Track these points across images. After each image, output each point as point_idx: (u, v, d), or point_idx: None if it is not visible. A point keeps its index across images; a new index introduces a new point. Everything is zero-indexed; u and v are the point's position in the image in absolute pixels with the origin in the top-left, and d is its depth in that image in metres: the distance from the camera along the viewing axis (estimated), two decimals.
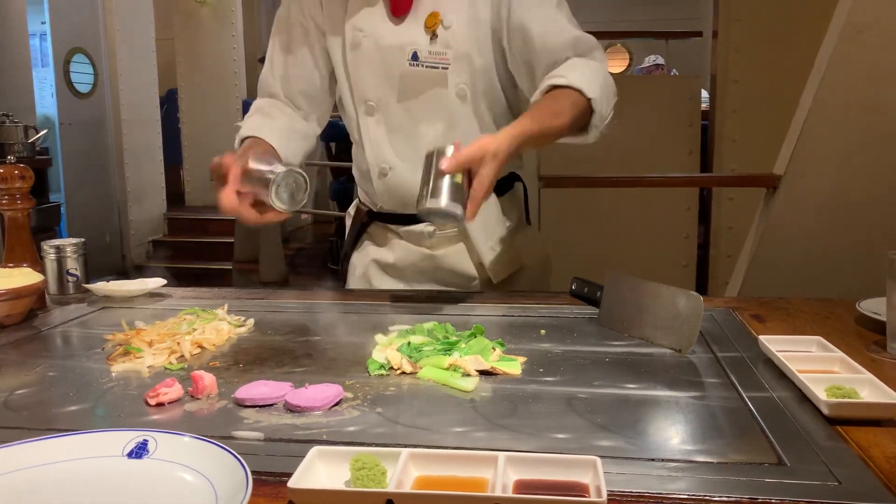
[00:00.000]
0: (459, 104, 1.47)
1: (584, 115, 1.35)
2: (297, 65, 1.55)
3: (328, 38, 1.52)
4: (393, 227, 1.59)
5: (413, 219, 1.53)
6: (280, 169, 1.20)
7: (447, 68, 1.43)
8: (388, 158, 1.51)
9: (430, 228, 1.54)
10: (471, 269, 1.56)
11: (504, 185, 1.59)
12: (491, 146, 1.21)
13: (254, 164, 1.23)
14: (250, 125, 1.48)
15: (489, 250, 1.54)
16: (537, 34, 1.40)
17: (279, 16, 1.58)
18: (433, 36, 1.42)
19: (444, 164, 1.20)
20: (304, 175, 1.22)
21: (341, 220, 1.74)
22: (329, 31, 1.52)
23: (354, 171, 1.66)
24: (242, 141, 1.46)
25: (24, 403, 0.95)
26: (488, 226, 1.54)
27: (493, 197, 1.54)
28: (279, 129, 1.48)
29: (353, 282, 1.66)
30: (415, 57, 1.43)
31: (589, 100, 1.33)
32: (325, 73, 1.56)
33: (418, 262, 1.57)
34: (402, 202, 1.52)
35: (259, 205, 1.24)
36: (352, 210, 1.71)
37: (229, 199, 1.22)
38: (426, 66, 1.43)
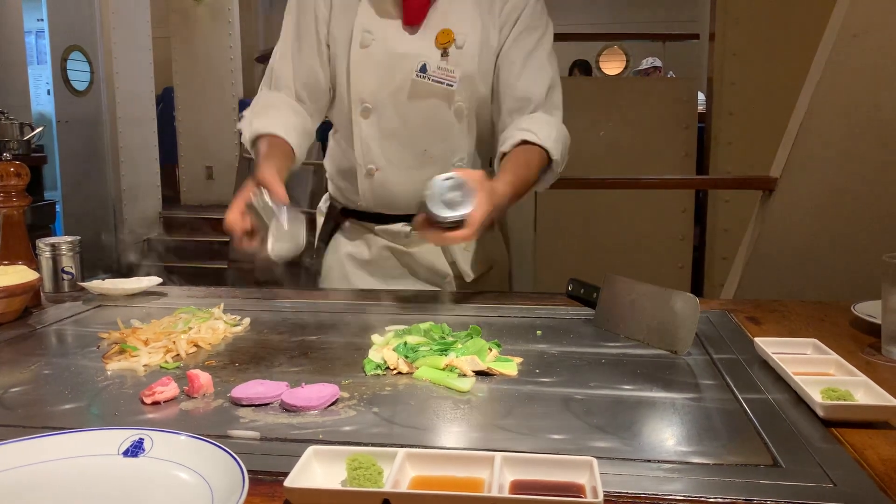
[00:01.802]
0: (455, 121, 1.50)
1: (540, 170, 1.46)
2: (305, 57, 1.54)
3: (333, 30, 1.51)
4: (368, 224, 1.61)
5: (391, 218, 1.56)
6: (284, 219, 1.19)
7: (452, 86, 1.45)
8: (376, 160, 1.52)
9: (408, 228, 1.56)
10: (444, 266, 1.59)
11: None
12: (495, 202, 1.26)
13: (265, 200, 1.22)
14: (267, 122, 1.46)
15: (462, 251, 1.58)
16: (521, 77, 1.49)
17: (290, 5, 1.56)
18: (444, 53, 1.45)
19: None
20: (304, 225, 1.22)
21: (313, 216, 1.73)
22: (335, 24, 1.51)
23: (328, 166, 1.66)
24: (256, 139, 1.45)
25: (20, 402, 0.95)
26: None
27: None
28: (294, 129, 1.48)
29: (329, 277, 1.67)
30: (423, 69, 1.45)
31: (551, 160, 1.45)
32: (327, 68, 1.55)
33: (393, 259, 1.61)
34: (385, 202, 1.55)
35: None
36: (323, 206, 1.71)
37: (235, 219, 1.23)
38: (433, 80, 1.45)
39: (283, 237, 1.19)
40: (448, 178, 1.21)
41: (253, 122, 1.47)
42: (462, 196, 1.21)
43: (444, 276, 1.60)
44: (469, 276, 1.60)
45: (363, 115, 1.50)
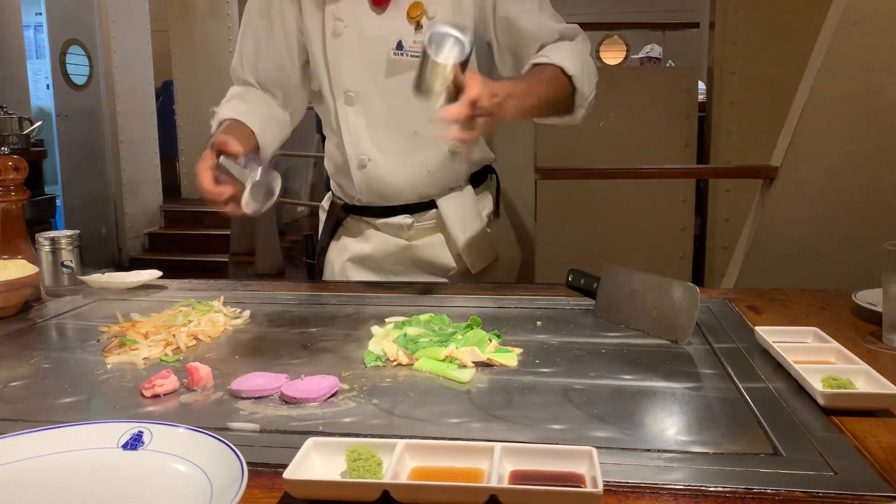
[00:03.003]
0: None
1: (566, 92, 1.38)
2: (270, 54, 1.53)
3: (306, 25, 1.50)
4: (370, 219, 1.60)
5: (391, 211, 1.55)
6: (257, 169, 1.18)
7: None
8: (367, 150, 1.51)
9: (409, 220, 1.56)
10: (448, 259, 1.58)
11: (479, 177, 1.61)
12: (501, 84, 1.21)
13: (231, 158, 1.21)
14: (229, 109, 1.47)
15: (467, 241, 1.56)
16: (525, 25, 1.44)
17: (249, 5, 1.56)
18: (417, 26, 1.43)
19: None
20: (279, 177, 1.21)
21: (316, 215, 1.72)
22: (307, 19, 1.50)
23: (328, 165, 1.65)
24: (220, 124, 1.45)
25: (19, 395, 0.95)
26: (466, 217, 1.56)
27: (469, 188, 1.58)
28: (258, 115, 1.47)
29: (332, 275, 1.66)
30: (399, 46, 1.44)
31: (570, 77, 1.36)
32: (297, 63, 1.54)
33: (396, 254, 1.59)
34: (381, 194, 1.54)
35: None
36: (325, 204, 1.70)
37: (206, 179, 1.22)
38: (410, 56, 1.42)
39: (259, 189, 1.19)
40: (448, 26, 1.16)
41: (217, 113, 1.47)
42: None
43: (449, 269, 1.59)
44: (475, 266, 1.58)
45: (347, 103, 1.49)
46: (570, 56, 1.38)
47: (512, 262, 1.70)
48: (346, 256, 1.63)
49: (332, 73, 1.49)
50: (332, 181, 1.67)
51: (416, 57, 1.31)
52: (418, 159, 1.48)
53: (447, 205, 1.55)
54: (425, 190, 1.53)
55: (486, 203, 1.63)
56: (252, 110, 1.47)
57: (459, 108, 1.12)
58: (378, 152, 1.50)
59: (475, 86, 1.12)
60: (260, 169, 1.19)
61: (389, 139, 1.50)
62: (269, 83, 1.55)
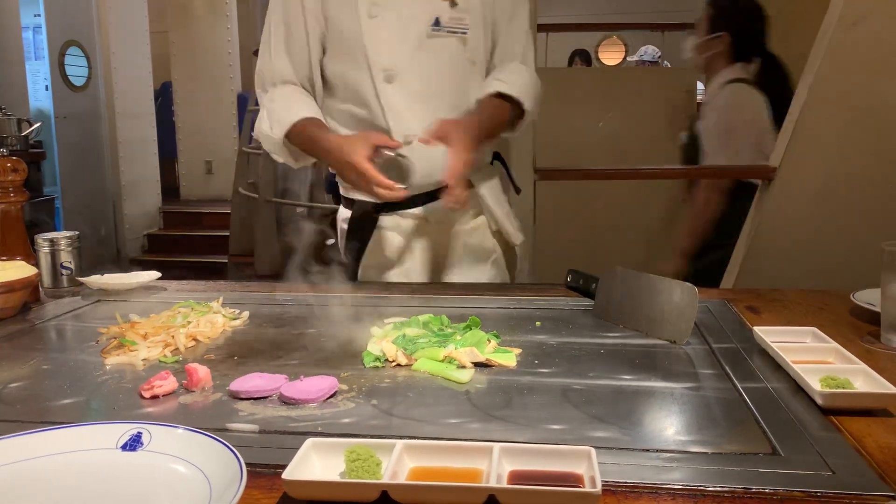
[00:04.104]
0: (471, 68, 1.53)
1: (513, 116, 1.56)
2: (298, 51, 1.54)
3: (330, 14, 1.49)
4: (410, 212, 1.56)
5: (429, 196, 1.53)
6: (403, 156, 1.39)
7: (466, 32, 1.50)
8: (411, 126, 1.49)
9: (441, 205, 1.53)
10: (490, 241, 1.63)
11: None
12: (461, 124, 1.39)
13: (383, 150, 1.38)
14: (304, 108, 1.50)
15: (504, 215, 1.61)
16: (504, 38, 1.59)
17: (274, 4, 1.55)
18: (453, 3, 1.48)
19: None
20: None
21: (315, 216, 1.71)
22: (332, 6, 1.49)
23: None
24: (292, 128, 1.48)
25: (19, 396, 0.95)
26: (495, 193, 1.62)
27: (491, 167, 1.64)
28: (319, 112, 1.52)
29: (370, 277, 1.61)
30: (437, 23, 1.48)
31: (524, 109, 1.55)
32: (317, 64, 1.55)
33: (443, 245, 1.60)
34: (427, 172, 1.48)
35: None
36: (345, 215, 1.63)
37: (378, 174, 1.33)
38: (447, 31, 1.48)
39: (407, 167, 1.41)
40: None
41: (281, 117, 1.49)
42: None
43: (492, 252, 1.63)
44: (518, 237, 1.64)
45: (387, 80, 1.48)
46: (529, 89, 1.55)
47: (527, 244, 1.76)
48: (389, 248, 1.58)
49: (369, 53, 1.47)
50: (354, 192, 1.59)
51: (454, 33, 1.49)
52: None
53: (481, 184, 1.59)
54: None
55: (505, 180, 1.70)
56: (314, 107, 1.52)
57: (459, 194, 1.33)
58: (420, 129, 1.48)
59: (455, 173, 1.33)
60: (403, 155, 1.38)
61: (429, 115, 1.48)
62: (303, 80, 1.56)
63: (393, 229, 1.58)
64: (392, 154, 1.40)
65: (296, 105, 1.51)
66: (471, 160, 1.36)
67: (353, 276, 1.60)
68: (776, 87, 2.44)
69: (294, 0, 1.52)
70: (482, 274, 1.62)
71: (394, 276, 1.59)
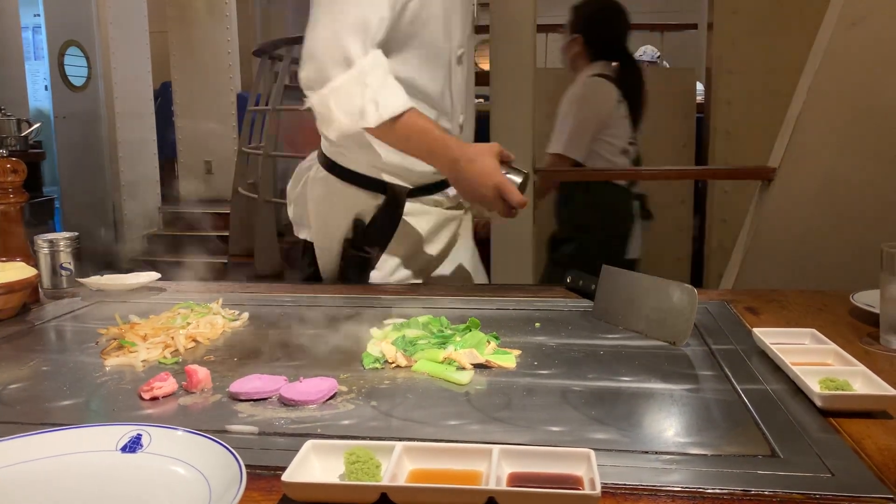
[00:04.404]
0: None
1: None
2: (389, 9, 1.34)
3: None
4: (435, 196, 1.54)
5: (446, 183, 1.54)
6: (522, 173, 1.35)
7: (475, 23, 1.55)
8: (464, 108, 1.50)
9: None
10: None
11: None
12: None
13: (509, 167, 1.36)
14: (406, 97, 1.33)
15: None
16: None
17: None
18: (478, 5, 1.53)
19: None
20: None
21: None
22: None
23: (373, 156, 1.46)
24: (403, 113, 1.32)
25: (18, 398, 0.95)
26: None
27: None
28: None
29: (399, 255, 1.54)
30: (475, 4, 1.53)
31: None
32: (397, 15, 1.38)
33: (458, 224, 1.61)
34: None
35: None
36: (365, 196, 1.50)
37: (518, 194, 1.32)
38: (478, 5, 1.54)
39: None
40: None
41: (387, 99, 1.29)
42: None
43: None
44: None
45: (458, 62, 1.46)
46: None
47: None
48: (415, 234, 1.53)
49: (451, 31, 1.42)
50: (383, 173, 1.48)
51: (476, 5, 1.54)
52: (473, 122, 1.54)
53: None
54: None
55: None
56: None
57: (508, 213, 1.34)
58: (467, 110, 1.51)
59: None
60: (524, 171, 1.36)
61: (469, 100, 1.51)
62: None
63: (419, 214, 1.53)
64: (512, 170, 1.35)
65: (401, 88, 1.32)
66: None
67: (368, 261, 1.52)
68: (631, 85, 2.67)
69: None
70: (468, 247, 1.66)
71: (415, 260, 1.55)
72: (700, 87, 4.15)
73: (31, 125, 5.19)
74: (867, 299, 1.23)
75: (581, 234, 2.73)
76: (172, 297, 1.43)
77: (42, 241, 1.50)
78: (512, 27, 2.46)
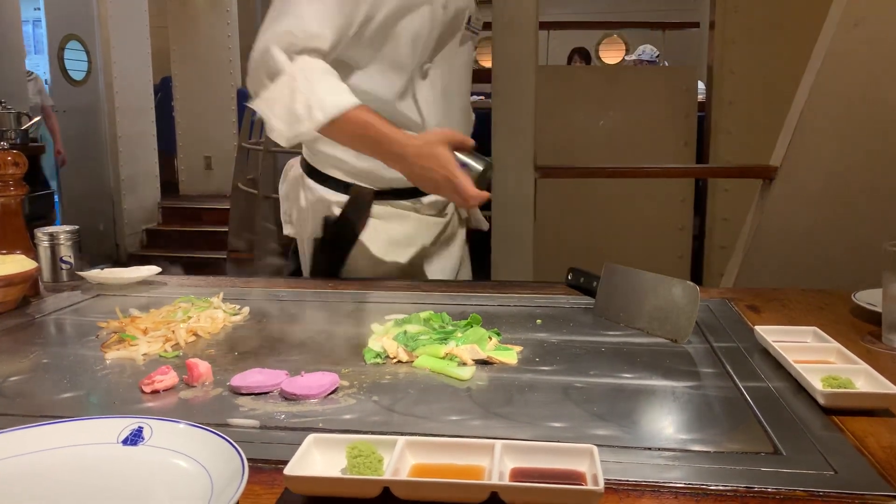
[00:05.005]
0: (470, 68, 1.55)
1: None
2: (344, 21, 1.34)
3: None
4: (405, 202, 1.53)
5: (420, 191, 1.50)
6: (484, 161, 1.34)
7: (478, 33, 1.52)
8: (438, 121, 1.48)
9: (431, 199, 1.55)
10: (457, 227, 1.65)
11: None
12: None
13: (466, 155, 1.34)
14: (349, 92, 1.33)
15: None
16: None
17: None
18: (478, 3, 1.50)
19: None
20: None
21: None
22: None
23: (345, 154, 1.48)
24: (345, 114, 1.31)
25: (18, 391, 0.95)
26: None
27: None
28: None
29: (363, 259, 1.54)
30: (469, 21, 1.49)
31: None
32: (353, 33, 1.38)
33: (427, 233, 1.58)
34: None
35: None
36: (337, 198, 1.52)
37: (472, 186, 1.30)
38: (471, 31, 1.50)
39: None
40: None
41: (326, 100, 1.29)
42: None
43: (457, 236, 1.65)
44: (485, 224, 1.69)
45: (422, 76, 1.46)
46: None
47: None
48: (384, 237, 1.53)
49: (415, 44, 1.42)
50: (346, 175, 1.51)
51: (474, 33, 1.49)
52: (465, 132, 1.50)
53: None
54: None
55: None
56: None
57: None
58: (445, 122, 1.50)
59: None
60: (484, 161, 1.34)
61: (451, 109, 1.51)
62: (331, 55, 1.37)
63: (390, 217, 1.53)
64: (471, 160, 1.33)
65: (339, 85, 1.32)
66: None
67: (338, 261, 1.53)
68: None
69: None
70: (453, 256, 1.65)
71: (385, 265, 1.54)
72: (701, 85, 4.14)
73: (30, 119, 5.18)
74: (869, 298, 1.23)
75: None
76: (173, 291, 1.43)
77: (42, 235, 1.50)
78: (514, 24, 2.45)
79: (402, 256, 1.55)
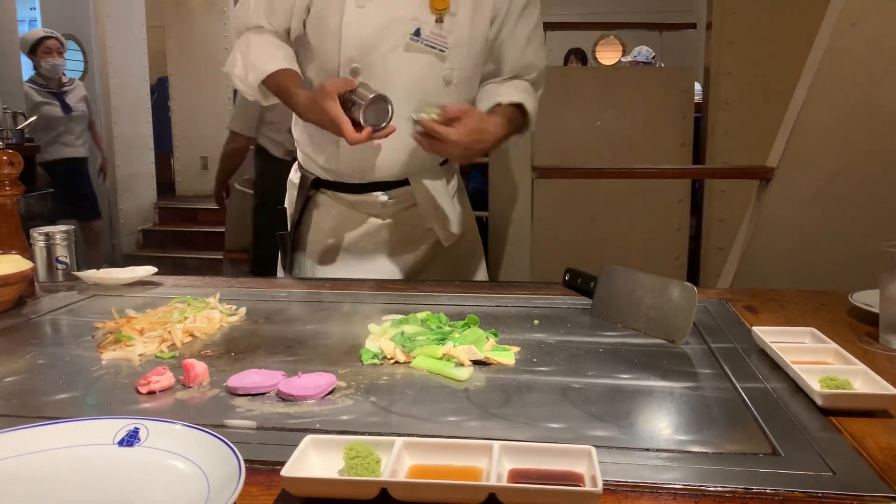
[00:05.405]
0: (443, 87, 1.50)
1: (520, 126, 1.60)
2: (282, 13, 1.53)
3: None
4: (344, 195, 1.62)
5: (365, 187, 1.59)
6: (371, 93, 1.36)
7: (444, 51, 1.47)
8: (375, 124, 1.48)
9: (384, 198, 1.60)
10: (422, 234, 1.65)
11: None
12: (487, 119, 1.44)
13: (349, 93, 1.38)
14: (280, 58, 1.51)
15: (439, 216, 1.63)
16: (509, 55, 1.58)
17: None
18: (439, 19, 1.46)
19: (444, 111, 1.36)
20: (389, 99, 1.37)
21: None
22: None
23: (300, 135, 1.66)
24: (269, 77, 1.50)
25: (14, 391, 0.94)
26: (438, 193, 1.62)
27: (440, 168, 1.64)
28: (295, 65, 1.54)
29: (308, 255, 1.68)
30: (418, 33, 1.45)
31: (527, 122, 1.60)
32: (298, 24, 1.54)
33: (372, 233, 1.63)
34: (362, 168, 1.56)
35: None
36: (294, 178, 1.71)
37: (346, 121, 1.36)
38: (426, 45, 1.46)
39: (375, 105, 1.37)
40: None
41: (257, 65, 1.51)
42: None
43: (421, 243, 1.66)
44: (448, 239, 1.66)
45: (352, 74, 1.47)
46: (534, 105, 1.60)
47: (475, 234, 1.79)
48: (324, 239, 1.65)
49: (343, 39, 1.46)
50: (300, 153, 1.68)
51: (433, 48, 1.47)
52: (406, 140, 1.47)
53: (420, 182, 1.60)
54: (404, 169, 1.57)
55: (453, 179, 1.71)
56: (292, 58, 1.54)
57: (441, 132, 1.35)
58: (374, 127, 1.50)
59: (458, 130, 1.36)
60: (372, 93, 1.36)
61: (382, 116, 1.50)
62: (281, 31, 1.56)
63: (324, 208, 1.65)
64: (358, 94, 1.38)
65: (272, 53, 1.52)
66: (467, 145, 1.38)
67: (293, 242, 1.68)
68: None
69: None
70: (412, 256, 1.66)
71: (330, 258, 1.65)
72: (698, 86, 4.15)
73: (26, 118, 5.17)
74: (866, 299, 1.23)
75: (260, 202, 3.27)
76: (169, 292, 1.42)
77: (38, 235, 1.49)
78: None
79: (355, 252, 1.65)
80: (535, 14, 1.58)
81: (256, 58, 1.52)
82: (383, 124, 1.38)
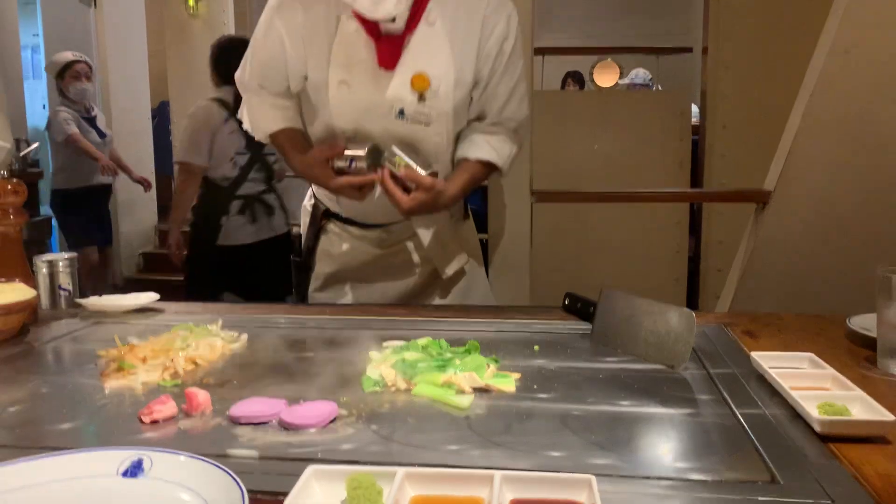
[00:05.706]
0: (433, 147, 1.56)
1: (489, 174, 1.66)
2: (278, 75, 1.58)
3: (310, 71, 1.53)
4: (350, 227, 1.71)
5: (369, 226, 1.68)
6: (361, 148, 1.46)
7: (429, 124, 1.52)
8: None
9: (384, 235, 1.68)
10: (419, 264, 1.70)
11: None
12: (444, 192, 1.49)
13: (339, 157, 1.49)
14: (279, 119, 1.63)
15: (438, 248, 1.67)
16: (507, 106, 1.60)
17: (258, 30, 1.58)
18: (421, 97, 1.49)
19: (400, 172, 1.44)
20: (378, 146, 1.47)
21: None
22: (312, 67, 1.52)
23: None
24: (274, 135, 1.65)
25: (17, 420, 0.95)
26: (437, 225, 1.66)
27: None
28: (295, 122, 1.65)
29: (319, 280, 1.75)
30: (401, 113, 1.50)
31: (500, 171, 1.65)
32: (297, 89, 1.59)
33: (370, 262, 1.70)
34: (362, 212, 1.65)
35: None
36: (308, 204, 1.81)
37: (335, 179, 1.47)
38: (411, 122, 1.51)
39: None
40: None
41: (258, 125, 1.65)
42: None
43: (418, 275, 1.71)
44: (447, 271, 1.69)
45: (349, 141, 1.54)
46: (507, 148, 1.63)
47: (479, 258, 1.83)
48: (332, 265, 1.73)
49: (333, 116, 1.54)
50: (314, 187, 1.77)
51: (417, 123, 1.52)
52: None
53: (420, 223, 1.65)
54: (400, 217, 1.61)
55: (457, 211, 1.75)
56: (292, 116, 1.64)
57: (396, 196, 1.44)
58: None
59: (410, 198, 1.44)
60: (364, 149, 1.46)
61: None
62: (281, 91, 1.62)
63: (333, 235, 1.73)
64: (346, 159, 1.48)
65: (272, 115, 1.64)
66: (412, 210, 1.47)
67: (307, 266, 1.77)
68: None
69: (274, 40, 1.53)
70: (405, 286, 1.71)
71: (337, 286, 1.73)
72: (696, 109, 4.18)
73: (29, 144, 5.19)
74: (864, 323, 1.23)
75: (195, 223, 3.47)
76: (171, 319, 1.43)
77: (41, 262, 1.50)
78: None
79: (362, 279, 1.72)
80: (516, 72, 1.59)
81: (259, 119, 1.65)
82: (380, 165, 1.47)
